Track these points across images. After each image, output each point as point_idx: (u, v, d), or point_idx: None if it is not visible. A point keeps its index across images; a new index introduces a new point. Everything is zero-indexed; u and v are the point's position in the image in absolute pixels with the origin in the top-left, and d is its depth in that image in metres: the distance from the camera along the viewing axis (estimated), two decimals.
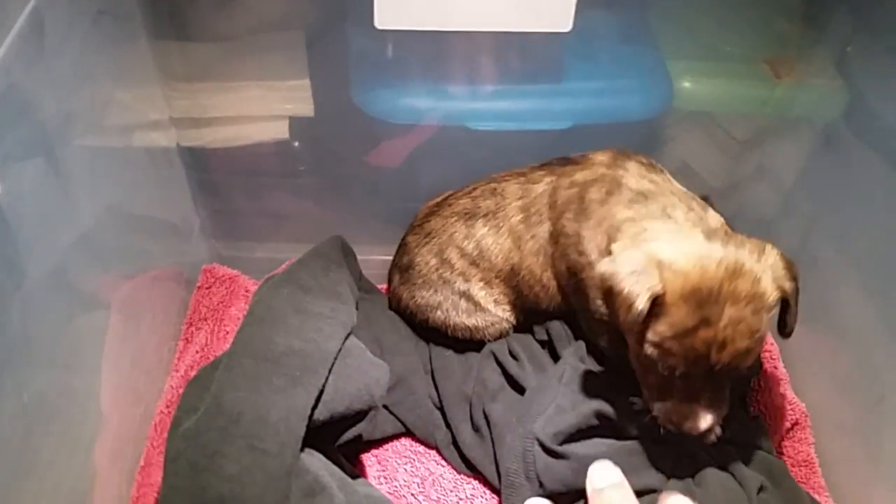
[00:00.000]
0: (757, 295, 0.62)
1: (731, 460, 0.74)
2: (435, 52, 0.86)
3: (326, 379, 0.67)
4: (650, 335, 0.63)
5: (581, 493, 0.70)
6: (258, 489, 0.58)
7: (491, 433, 0.80)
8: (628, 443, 0.74)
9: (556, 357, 0.85)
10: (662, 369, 0.64)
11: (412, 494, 0.80)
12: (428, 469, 0.83)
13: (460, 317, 0.86)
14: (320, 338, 0.68)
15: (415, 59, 0.87)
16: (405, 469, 0.83)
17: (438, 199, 0.89)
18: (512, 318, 0.88)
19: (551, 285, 0.81)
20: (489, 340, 0.87)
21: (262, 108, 0.90)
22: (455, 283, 0.85)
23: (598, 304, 0.72)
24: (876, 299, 0.79)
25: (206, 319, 0.92)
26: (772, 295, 0.63)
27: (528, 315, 0.87)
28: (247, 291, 0.95)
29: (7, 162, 0.55)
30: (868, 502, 0.77)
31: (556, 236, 0.77)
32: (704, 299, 0.61)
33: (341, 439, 0.71)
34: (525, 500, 0.71)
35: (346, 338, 0.72)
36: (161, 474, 0.63)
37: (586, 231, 0.73)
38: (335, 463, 0.70)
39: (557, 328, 0.86)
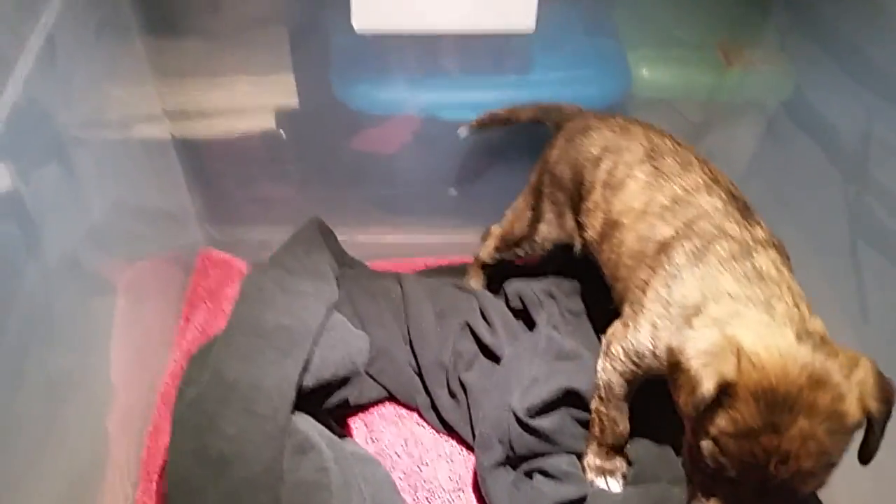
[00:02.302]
0: (837, 413, 0.55)
1: None
2: (409, 48, 0.92)
3: (312, 350, 0.74)
4: (709, 426, 0.58)
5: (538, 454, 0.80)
6: (255, 447, 0.66)
7: (467, 398, 0.88)
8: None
9: (529, 322, 0.93)
10: (713, 465, 0.59)
11: (396, 453, 0.88)
12: (410, 430, 0.90)
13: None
14: (306, 314, 0.76)
15: (390, 55, 0.93)
16: (390, 430, 0.90)
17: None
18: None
19: (618, 262, 0.78)
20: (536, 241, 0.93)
21: (249, 100, 0.96)
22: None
23: (644, 335, 0.70)
24: (829, 280, 0.84)
25: (203, 300, 0.99)
26: (854, 417, 0.56)
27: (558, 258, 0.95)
28: (240, 274, 1.01)
29: (31, 166, 0.61)
30: None
31: (663, 249, 0.72)
32: (778, 403, 0.55)
33: (329, 403, 0.79)
34: (495, 459, 0.80)
35: (330, 312, 0.80)
36: (168, 438, 0.70)
37: (686, 272, 0.68)
38: (324, 425, 0.78)
39: (530, 295, 0.93)
